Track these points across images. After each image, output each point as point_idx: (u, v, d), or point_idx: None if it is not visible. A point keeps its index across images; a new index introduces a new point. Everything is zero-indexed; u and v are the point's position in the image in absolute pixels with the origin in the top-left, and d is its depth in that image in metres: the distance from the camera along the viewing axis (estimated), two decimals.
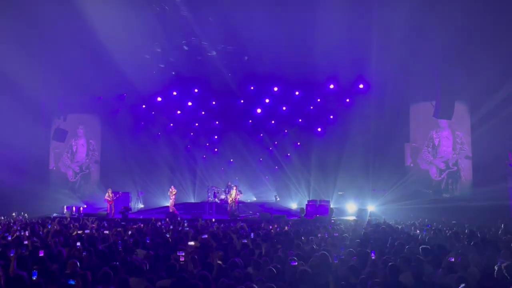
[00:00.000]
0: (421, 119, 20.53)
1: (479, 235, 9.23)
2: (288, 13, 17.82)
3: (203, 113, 23.26)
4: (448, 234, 9.91)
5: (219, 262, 6.42)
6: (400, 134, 20.48)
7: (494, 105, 17.12)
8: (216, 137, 23.36)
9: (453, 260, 6.15)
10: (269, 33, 17.94)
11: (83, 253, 7.04)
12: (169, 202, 19.44)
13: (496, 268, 5.31)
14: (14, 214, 17.72)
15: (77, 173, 23.33)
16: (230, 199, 18.75)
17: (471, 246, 7.60)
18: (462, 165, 19.75)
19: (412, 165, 20.62)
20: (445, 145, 20.12)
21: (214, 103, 23.00)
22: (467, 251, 7.02)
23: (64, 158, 23.35)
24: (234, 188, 18.97)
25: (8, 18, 17.06)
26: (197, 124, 23.34)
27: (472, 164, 19.48)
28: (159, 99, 22.92)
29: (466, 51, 16.72)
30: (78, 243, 7.72)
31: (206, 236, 8.54)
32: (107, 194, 19.02)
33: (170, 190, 19.50)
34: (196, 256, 6.55)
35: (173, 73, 21.88)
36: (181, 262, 6.22)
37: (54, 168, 23.33)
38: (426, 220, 14.48)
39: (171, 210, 18.72)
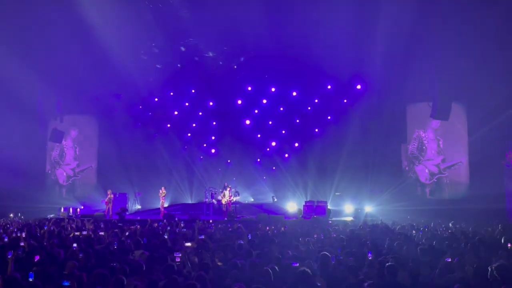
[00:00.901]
0: (418, 120, 20.58)
1: (474, 236, 9.24)
2: (285, 13, 17.85)
3: (200, 113, 23.22)
4: (444, 235, 9.94)
5: (220, 263, 6.41)
6: (397, 135, 20.52)
7: (492, 107, 17.17)
8: (213, 137, 23.26)
9: (450, 260, 6.17)
10: (266, 34, 17.95)
11: (80, 255, 7.01)
12: (160, 203, 19.39)
13: (489, 269, 5.34)
14: (11, 215, 17.66)
15: (74, 175, 23.25)
16: (224, 200, 18.68)
17: (468, 247, 7.62)
18: (458, 167, 19.79)
19: (407, 168, 20.68)
20: (442, 146, 20.16)
21: (211, 103, 22.96)
22: (464, 252, 7.04)
23: (61, 159, 23.26)
24: (228, 189, 18.88)
25: (5, 19, 17.01)
26: (194, 125, 23.28)
27: (468, 166, 19.52)
28: (156, 99, 22.88)
29: (464, 52, 16.75)
30: (75, 244, 7.69)
31: (203, 237, 8.53)
32: (107, 197, 18.82)
33: (160, 191, 19.37)
34: (196, 258, 6.55)
35: (179, 65, 21.83)
36: (177, 263, 6.21)
37: (50, 170, 23.25)
38: (423, 221, 14.51)
39: (161, 211, 18.69)
